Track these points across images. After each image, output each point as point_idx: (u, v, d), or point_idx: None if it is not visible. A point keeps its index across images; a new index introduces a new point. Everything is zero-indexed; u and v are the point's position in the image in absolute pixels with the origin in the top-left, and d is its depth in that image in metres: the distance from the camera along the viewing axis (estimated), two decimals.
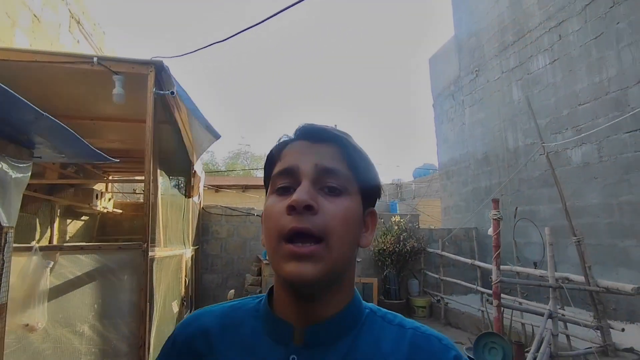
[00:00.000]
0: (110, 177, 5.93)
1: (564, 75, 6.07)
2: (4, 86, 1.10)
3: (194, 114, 2.74)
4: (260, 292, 6.31)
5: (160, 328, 3.26)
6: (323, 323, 0.55)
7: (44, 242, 4.55)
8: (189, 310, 5.48)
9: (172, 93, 2.69)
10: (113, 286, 2.43)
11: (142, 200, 7.36)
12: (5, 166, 1.28)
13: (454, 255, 6.70)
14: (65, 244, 2.58)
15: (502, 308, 3.32)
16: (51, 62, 2.48)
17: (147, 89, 2.61)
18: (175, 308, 3.95)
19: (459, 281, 6.74)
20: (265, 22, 3.32)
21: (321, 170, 0.54)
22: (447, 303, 6.96)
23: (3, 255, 1.34)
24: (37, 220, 4.37)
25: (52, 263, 2.31)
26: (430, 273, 7.40)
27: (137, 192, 7.12)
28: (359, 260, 6.31)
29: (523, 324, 4.44)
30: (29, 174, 1.43)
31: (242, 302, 0.65)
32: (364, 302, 0.62)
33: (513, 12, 7.27)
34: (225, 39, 3.74)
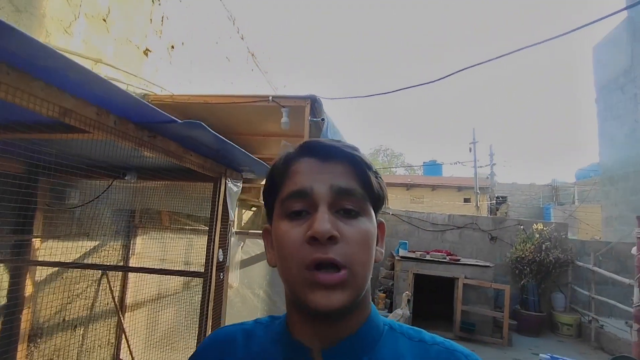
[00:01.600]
0: None
1: None
2: (229, 141, 1.91)
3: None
4: (392, 285, 6.87)
5: None
6: (340, 344, 0.54)
7: None
8: None
9: (323, 120, 3.46)
10: None
11: None
12: (230, 184, 2.18)
13: (608, 273, 5.97)
14: (250, 230, 3.65)
15: None
16: (241, 102, 3.53)
17: (304, 116, 3.44)
18: None
19: (616, 303, 5.96)
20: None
21: (337, 192, 0.52)
22: (602, 325, 6.24)
23: (229, 236, 2.24)
24: None
25: (242, 243, 3.34)
26: (579, 289, 6.72)
27: None
28: (492, 265, 6.22)
29: None
30: (240, 188, 2.32)
31: (266, 321, 0.65)
32: (382, 317, 0.60)
33: None
34: (386, 92, 4.33)
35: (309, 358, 0.54)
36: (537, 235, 6.84)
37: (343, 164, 0.54)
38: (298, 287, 0.51)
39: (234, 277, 3.26)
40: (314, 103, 3.45)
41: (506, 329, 5.64)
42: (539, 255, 6.64)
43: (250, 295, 3.32)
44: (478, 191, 11.77)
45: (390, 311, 6.35)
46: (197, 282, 2.48)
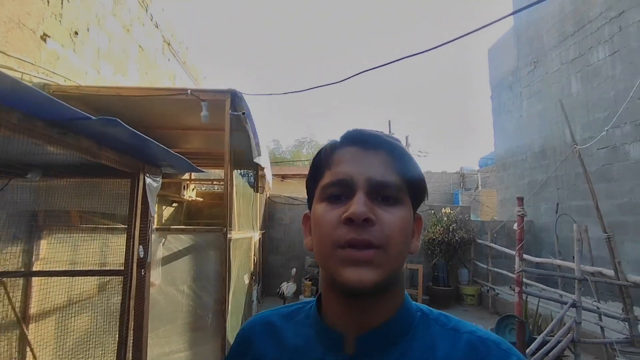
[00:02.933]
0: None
1: (624, 68, 5.91)
2: (147, 137, 1.90)
3: (251, 133, 3.52)
4: (317, 272, 7.14)
5: (235, 293, 4.18)
6: (374, 331, 0.54)
7: None
8: (257, 284, 6.48)
9: (244, 114, 3.49)
10: (203, 259, 3.33)
11: (217, 191, 8.57)
12: (149, 180, 2.14)
13: (501, 247, 6.92)
14: (172, 227, 3.55)
15: (523, 295, 3.71)
16: (158, 95, 3.41)
17: (225, 110, 3.43)
18: (246, 280, 4.90)
19: (508, 273, 6.94)
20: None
21: (375, 184, 0.54)
22: (498, 293, 7.21)
23: (149, 232, 2.20)
24: None
25: (164, 240, 3.26)
26: (480, 263, 7.66)
27: (214, 183, 8.30)
28: None
29: (552, 312, 4.71)
30: (160, 183, 2.29)
31: (299, 307, 0.66)
32: (415, 303, 0.60)
33: (574, 1, 7.07)
34: (302, 90, 4.43)
35: (342, 344, 0.55)
36: (446, 219, 7.63)
37: (382, 154, 0.56)
38: (332, 265, 0.52)
39: (155, 275, 3.17)
40: (234, 97, 3.47)
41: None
42: (447, 236, 7.42)
43: (173, 292, 3.26)
44: None
45: None
46: (116, 282, 2.39)
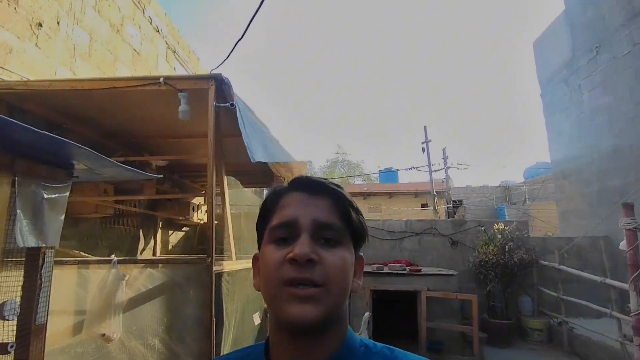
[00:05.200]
0: (203, 192, 6.35)
1: None
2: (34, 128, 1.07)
3: (241, 127, 2.66)
4: (349, 304, 6.08)
5: (239, 340, 3.25)
6: None
7: (148, 252, 5.02)
8: None
9: (232, 105, 2.65)
10: (180, 300, 2.45)
11: (235, 212, 7.79)
12: (35, 188, 1.28)
13: (575, 270, 5.56)
14: (139, 258, 2.73)
15: None
16: (126, 87, 2.65)
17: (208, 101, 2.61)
18: (257, 320, 3.95)
19: (586, 302, 5.54)
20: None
21: (319, 225, 0.58)
22: (572, 328, 5.80)
23: (41, 275, 1.34)
24: (141, 232, 4.84)
25: (127, 276, 2.41)
26: (546, 290, 6.29)
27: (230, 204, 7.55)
28: (455, 273, 5.63)
29: None
30: (67, 193, 1.44)
31: (249, 351, 0.67)
32: (360, 338, 0.63)
33: None
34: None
35: None
36: (499, 236, 6.38)
37: (326, 199, 0.61)
38: (277, 302, 0.55)
39: (114, 326, 2.31)
40: (220, 84, 2.65)
41: (477, 344, 5.02)
42: (502, 257, 6.16)
43: (140, 348, 2.37)
44: (435, 193, 11.40)
45: None
46: None
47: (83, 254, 2.99)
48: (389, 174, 21.60)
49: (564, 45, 7.91)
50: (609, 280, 4.85)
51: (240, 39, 3.38)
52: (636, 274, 2.46)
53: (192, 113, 2.76)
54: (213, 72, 2.82)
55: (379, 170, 23.13)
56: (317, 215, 0.58)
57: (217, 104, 2.62)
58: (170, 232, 5.85)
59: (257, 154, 2.68)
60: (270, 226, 0.61)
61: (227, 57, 3.30)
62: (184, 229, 6.35)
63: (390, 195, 19.29)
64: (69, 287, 2.47)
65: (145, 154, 4.20)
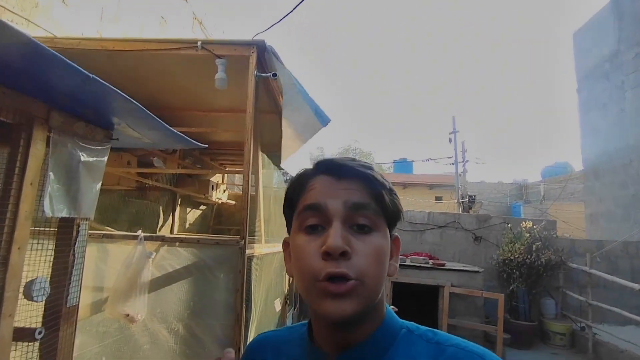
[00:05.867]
0: (226, 169, 6.17)
1: None
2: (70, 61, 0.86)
3: (304, 97, 2.44)
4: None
5: (261, 326, 3.09)
6: (351, 350, 0.56)
7: (166, 229, 4.89)
8: (292, 307, 5.38)
9: (275, 75, 2.42)
10: (209, 284, 2.28)
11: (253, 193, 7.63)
12: (72, 148, 1.08)
13: (609, 276, 5.29)
14: (167, 235, 2.55)
15: None
16: (159, 49, 2.43)
17: (248, 70, 2.39)
18: (278, 306, 3.80)
19: (613, 308, 5.29)
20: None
21: (350, 208, 0.55)
22: (596, 334, 5.57)
23: (74, 251, 1.15)
24: (160, 208, 4.70)
25: (155, 254, 2.24)
26: (572, 293, 6.05)
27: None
28: (481, 270, 5.40)
29: None
30: (105, 158, 1.24)
31: (295, 327, 0.68)
32: (402, 321, 0.62)
33: None
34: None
35: None
36: (527, 235, 6.11)
37: (357, 182, 0.57)
38: (312, 298, 0.54)
39: (139, 306, 2.15)
40: (262, 52, 2.41)
41: (500, 345, 4.82)
42: (529, 257, 5.90)
43: (164, 332, 2.21)
44: (460, 186, 11.08)
45: None
46: None
47: (108, 228, 2.84)
48: (403, 165, 21.23)
49: (609, 37, 7.44)
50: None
51: (291, 11, 3.12)
52: None
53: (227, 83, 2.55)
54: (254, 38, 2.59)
55: (394, 160, 22.75)
56: (346, 200, 0.55)
57: (258, 73, 2.39)
58: (189, 209, 5.71)
59: (323, 118, 2.47)
60: (297, 212, 0.59)
61: (272, 26, 3.05)
62: (201, 207, 6.21)
63: (405, 186, 18.99)
64: (91, 262, 2.31)
65: (174, 127, 4.01)
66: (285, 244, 0.64)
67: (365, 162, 0.60)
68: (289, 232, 0.63)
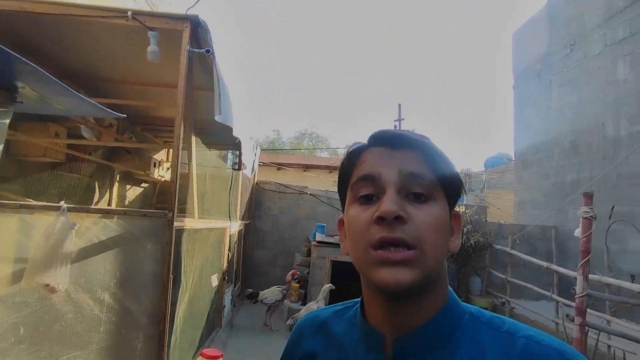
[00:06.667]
0: (167, 148, 6.03)
1: None
2: None
3: (216, 80, 2.48)
4: (308, 273, 6.12)
5: (194, 300, 3.16)
6: (414, 332, 0.52)
7: (103, 205, 4.74)
8: (232, 285, 5.45)
9: (208, 51, 2.45)
10: (137, 255, 2.31)
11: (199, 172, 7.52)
12: None
13: (525, 256, 5.88)
14: (92, 207, 2.52)
15: (586, 328, 2.68)
16: (86, 15, 2.35)
17: (181, 45, 2.39)
18: (215, 282, 3.87)
19: (529, 285, 5.91)
20: None
21: (406, 176, 0.52)
22: (513, 308, 6.21)
23: None
24: (96, 183, 4.54)
25: (78, 225, 2.23)
26: (496, 272, 6.65)
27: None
28: None
29: (609, 347, 3.68)
30: (7, 120, 1.24)
31: (349, 305, 0.66)
32: (465, 304, 0.58)
33: None
34: None
35: (382, 345, 0.54)
36: None
37: (411, 152, 0.54)
38: (366, 267, 0.51)
39: (60, 276, 2.14)
40: (196, 27, 2.42)
41: None
42: (460, 239, 6.39)
43: (88, 302, 2.23)
44: None
45: (304, 303, 5.61)
46: None
47: (28, 200, 2.74)
48: None
49: (542, 39, 8.04)
50: (554, 266, 5.18)
51: None
52: (585, 259, 2.59)
53: (163, 59, 2.53)
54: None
55: (347, 146, 23.16)
56: (402, 168, 0.52)
57: (191, 49, 2.40)
58: (128, 186, 5.55)
59: (226, 116, 2.52)
60: (351, 185, 0.56)
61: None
62: (142, 184, 6.05)
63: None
64: (8, 233, 2.25)
65: (111, 99, 3.87)
66: (340, 222, 0.61)
67: (420, 134, 0.58)
68: (343, 210, 0.60)
